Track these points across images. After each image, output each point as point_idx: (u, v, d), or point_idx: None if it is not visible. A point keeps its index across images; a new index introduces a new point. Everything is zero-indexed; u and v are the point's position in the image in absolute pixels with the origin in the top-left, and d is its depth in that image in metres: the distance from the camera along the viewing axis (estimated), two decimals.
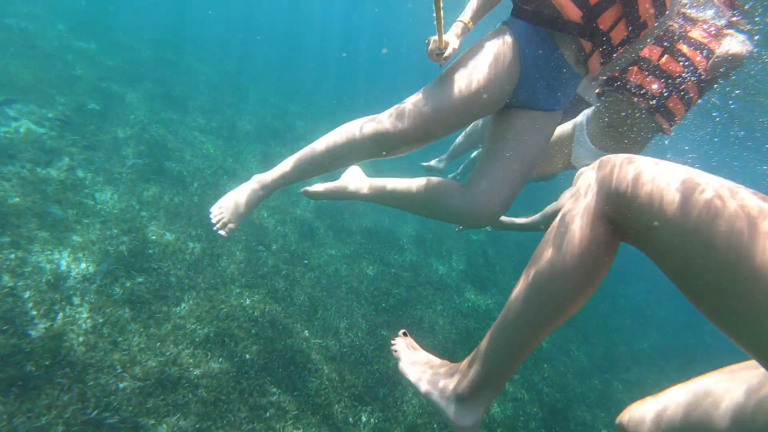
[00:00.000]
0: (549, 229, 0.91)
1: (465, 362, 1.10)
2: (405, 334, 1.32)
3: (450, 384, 1.11)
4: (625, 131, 1.90)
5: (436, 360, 1.22)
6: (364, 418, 2.59)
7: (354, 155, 1.50)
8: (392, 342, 1.28)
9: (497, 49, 1.39)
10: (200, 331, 2.60)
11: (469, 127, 3.35)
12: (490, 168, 1.46)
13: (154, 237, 3.15)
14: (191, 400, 2.19)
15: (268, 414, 2.35)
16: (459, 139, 3.52)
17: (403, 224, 5.61)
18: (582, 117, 2.06)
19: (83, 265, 2.60)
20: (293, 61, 18.12)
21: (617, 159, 0.82)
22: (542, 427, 3.42)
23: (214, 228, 1.60)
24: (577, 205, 0.87)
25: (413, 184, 1.58)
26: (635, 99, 1.81)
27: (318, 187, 1.79)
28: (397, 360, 1.26)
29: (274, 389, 2.48)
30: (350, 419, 2.56)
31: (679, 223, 0.70)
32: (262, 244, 3.80)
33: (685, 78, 1.77)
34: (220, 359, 2.48)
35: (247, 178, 1.73)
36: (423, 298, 4.05)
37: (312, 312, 3.22)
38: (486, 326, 3.84)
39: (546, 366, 4.25)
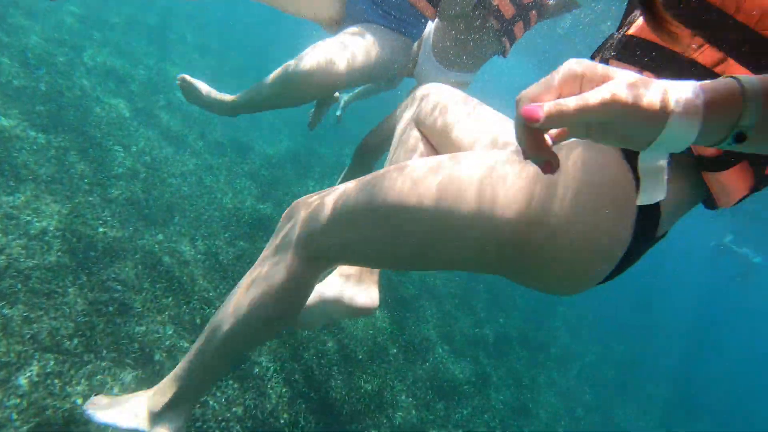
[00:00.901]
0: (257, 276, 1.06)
1: (163, 384, 1.19)
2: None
3: (147, 409, 1.18)
4: (471, 50, 2.04)
5: (132, 398, 1.25)
6: None
7: None
8: (86, 403, 1.29)
9: None
10: (37, 223, 2.44)
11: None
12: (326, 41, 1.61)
13: None
14: (20, 290, 2.10)
15: (110, 309, 2.33)
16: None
17: (277, 143, 5.56)
18: (428, 30, 2.16)
19: None
20: None
21: (298, 212, 1.04)
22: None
23: None
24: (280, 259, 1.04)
25: None
26: (490, 18, 1.92)
27: None
28: (90, 415, 1.24)
29: (119, 286, 2.45)
30: (198, 321, 2.63)
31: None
32: (120, 144, 3.56)
33: (531, 7, 1.95)
34: (59, 253, 2.38)
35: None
36: None
37: (169, 218, 3.16)
38: None
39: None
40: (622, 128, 0.49)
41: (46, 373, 1.93)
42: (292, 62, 1.71)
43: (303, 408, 2.59)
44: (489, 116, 1.09)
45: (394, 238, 0.88)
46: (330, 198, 0.97)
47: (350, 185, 0.96)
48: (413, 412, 3.24)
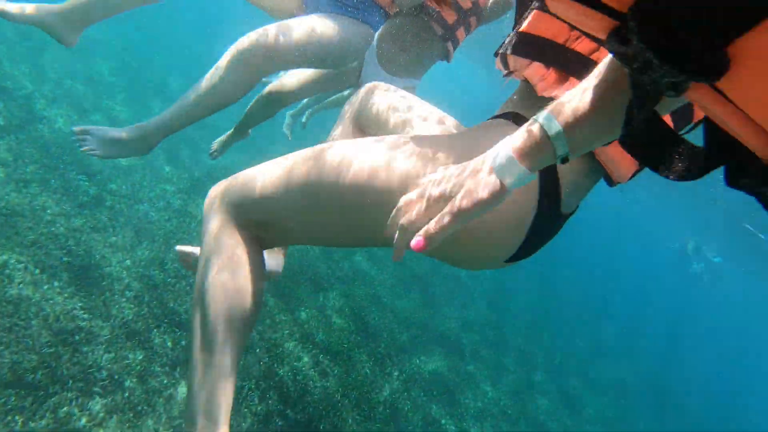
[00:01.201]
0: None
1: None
2: None
3: None
4: (415, 56, 2.11)
5: None
6: (184, 343, 2.66)
7: None
8: None
9: None
10: None
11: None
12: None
13: None
14: None
15: (77, 338, 2.31)
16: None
17: (246, 162, 5.57)
18: (374, 38, 2.21)
19: None
20: None
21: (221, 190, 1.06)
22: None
23: None
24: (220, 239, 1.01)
25: None
26: (434, 24, 1.99)
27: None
28: None
29: (85, 315, 2.43)
30: (169, 343, 2.62)
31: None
32: (85, 173, 3.54)
33: (472, 12, 2.04)
34: (21, 285, 2.35)
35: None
36: None
37: (137, 243, 3.14)
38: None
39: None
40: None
41: (6, 410, 1.89)
42: (234, 44, 1.64)
43: (279, 426, 2.58)
44: (426, 111, 1.13)
45: (315, 215, 0.92)
46: (252, 175, 1.00)
47: (274, 164, 0.99)
48: (391, 424, 3.25)
